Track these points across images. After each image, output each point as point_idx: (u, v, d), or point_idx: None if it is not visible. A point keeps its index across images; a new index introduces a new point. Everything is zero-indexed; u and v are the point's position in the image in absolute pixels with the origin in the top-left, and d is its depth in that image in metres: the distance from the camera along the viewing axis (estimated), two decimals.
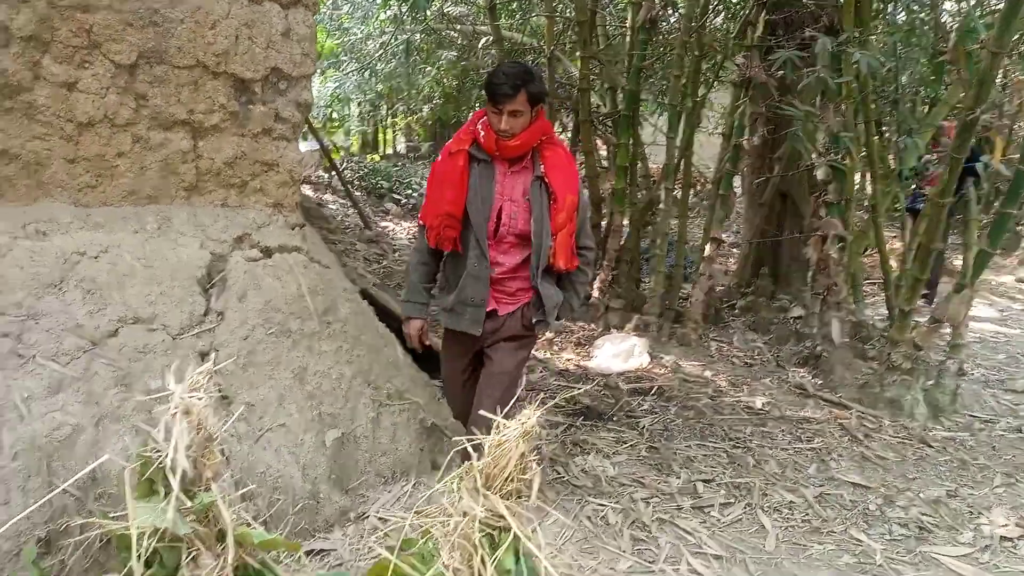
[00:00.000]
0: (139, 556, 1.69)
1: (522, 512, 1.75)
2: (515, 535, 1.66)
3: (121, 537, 1.76)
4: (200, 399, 1.78)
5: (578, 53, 5.58)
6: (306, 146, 8.82)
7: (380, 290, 4.38)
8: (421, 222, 2.80)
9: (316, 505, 2.73)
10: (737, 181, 7.01)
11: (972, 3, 4.57)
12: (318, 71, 11.02)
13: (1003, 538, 3.06)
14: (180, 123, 2.85)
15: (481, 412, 2.27)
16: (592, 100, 6.19)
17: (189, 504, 1.71)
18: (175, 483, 1.68)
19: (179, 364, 1.97)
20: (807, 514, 3.18)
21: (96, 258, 2.62)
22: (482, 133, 2.61)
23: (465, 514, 1.77)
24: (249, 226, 3.00)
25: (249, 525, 1.83)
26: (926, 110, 6.66)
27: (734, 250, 7.84)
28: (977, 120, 3.96)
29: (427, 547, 1.82)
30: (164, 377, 2.10)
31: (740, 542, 2.94)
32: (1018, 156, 4.18)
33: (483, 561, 1.69)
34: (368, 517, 2.76)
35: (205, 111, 2.88)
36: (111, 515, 1.94)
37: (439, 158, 2.73)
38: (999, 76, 5.86)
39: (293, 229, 3.16)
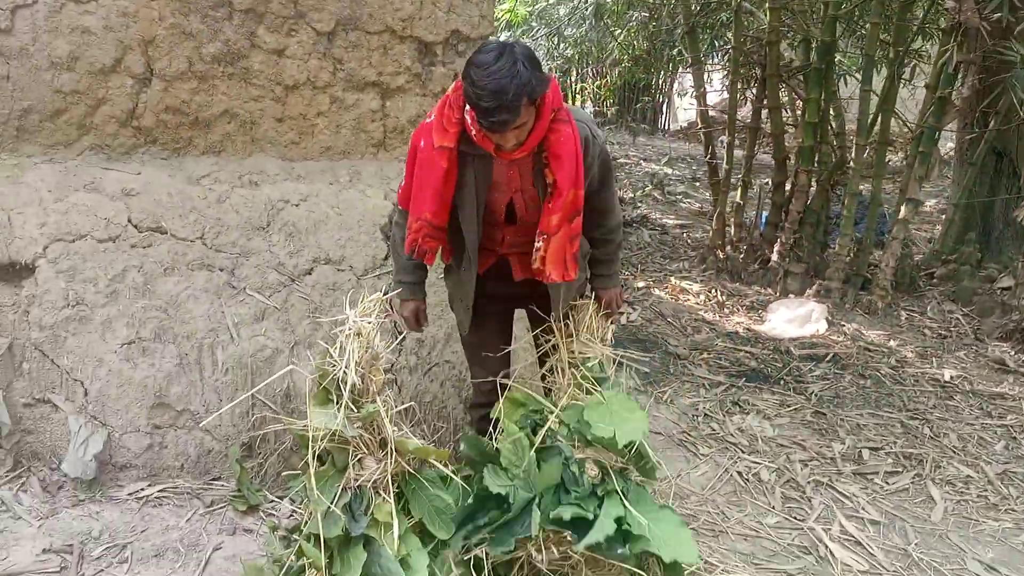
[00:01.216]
0: (314, 453, 1.99)
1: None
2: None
3: (302, 437, 2.07)
4: (370, 323, 2.05)
5: (767, 3, 5.35)
6: None
7: None
8: (400, 206, 2.18)
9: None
10: (948, 140, 6.42)
11: None
12: (511, 37, 11.35)
13: None
14: (370, 84, 3.15)
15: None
16: (784, 53, 5.91)
17: (357, 413, 1.98)
18: (345, 393, 1.95)
19: (354, 295, 2.25)
20: (985, 490, 2.97)
21: (297, 206, 2.99)
22: (473, 131, 1.92)
23: None
24: None
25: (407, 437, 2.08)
26: None
27: (942, 215, 7.18)
28: None
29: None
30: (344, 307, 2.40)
31: (902, 510, 2.82)
32: None
33: None
34: None
35: (392, 73, 3.16)
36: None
37: (420, 140, 2.02)
38: None
39: None
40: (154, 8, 2.75)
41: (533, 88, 1.79)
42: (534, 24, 10.14)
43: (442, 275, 2.44)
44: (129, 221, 2.69)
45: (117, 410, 2.54)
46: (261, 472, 2.65)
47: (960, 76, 4.82)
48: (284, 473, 2.47)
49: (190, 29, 2.80)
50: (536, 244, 2.07)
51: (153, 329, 2.61)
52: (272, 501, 2.53)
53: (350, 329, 2.04)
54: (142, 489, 2.49)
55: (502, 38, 12.04)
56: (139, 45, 2.76)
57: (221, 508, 2.48)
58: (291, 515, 2.48)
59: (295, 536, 2.21)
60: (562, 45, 10.33)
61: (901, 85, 5.46)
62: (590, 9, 8.88)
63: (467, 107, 1.87)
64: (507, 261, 2.26)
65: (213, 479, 2.61)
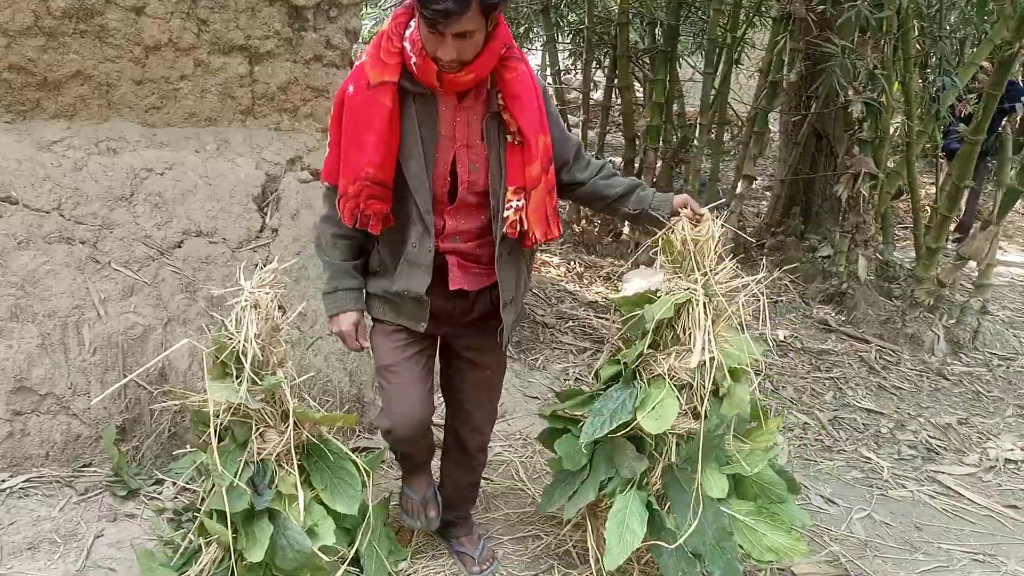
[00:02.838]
0: (215, 428, 1.93)
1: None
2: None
3: (198, 413, 2.00)
4: (267, 294, 2.00)
5: None
6: None
7: None
8: (327, 183, 1.92)
9: (361, 408, 2.97)
10: (775, 121, 7.02)
11: None
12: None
13: (1008, 460, 3.23)
14: (238, 48, 3.01)
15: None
16: (631, 36, 6.21)
17: (258, 384, 1.94)
18: (246, 365, 1.91)
19: (244, 266, 2.18)
20: (820, 434, 3.36)
21: (162, 175, 2.83)
22: (414, 59, 1.71)
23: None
24: (300, 149, 3.18)
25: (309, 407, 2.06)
26: (974, 50, 6.56)
27: (767, 192, 7.87)
28: (1016, 56, 3.96)
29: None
30: (226, 283, 2.32)
31: None
32: None
33: None
34: None
35: (261, 37, 3.04)
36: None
37: (347, 88, 1.80)
38: None
39: None
40: None
41: None
42: None
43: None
44: None
45: None
46: (138, 455, 2.51)
47: (788, 63, 5.29)
48: (176, 452, 2.36)
49: None
50: (512, 203, 1.84)
51: (8, 308, 2.39)
52: (153, 484, 2.42)
53: (246, 301, 1.99)
54: (3, 481, 2.29)
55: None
56: None
57: (97, 495, 2.34)
58: (175, 497, 2.38)
59: (185, 517, 2.14)
60: None
61: (740, 72, 5.90)
62: None
63: (409, 30, 1.72)
64: (443, 262, 1.93)
65: (84, 466, 2.45)
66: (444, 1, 1.57)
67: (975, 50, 5.58)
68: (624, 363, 2.06)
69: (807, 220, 6.08)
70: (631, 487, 2.05)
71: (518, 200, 1.85)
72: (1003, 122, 5.16)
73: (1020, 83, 5.97)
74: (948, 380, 4.08)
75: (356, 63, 1.83)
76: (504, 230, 1.87)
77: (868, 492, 2.96)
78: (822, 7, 4.58)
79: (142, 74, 2.85)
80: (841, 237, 5.07)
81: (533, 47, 11.07)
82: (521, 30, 9.73)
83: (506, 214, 1.86)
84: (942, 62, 5.43)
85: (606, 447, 2.09)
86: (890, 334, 4.51)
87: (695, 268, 2.03)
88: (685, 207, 1.99)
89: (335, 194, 1.88)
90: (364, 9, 10.94)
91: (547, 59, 6.55)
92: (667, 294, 2.05)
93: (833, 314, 4.88)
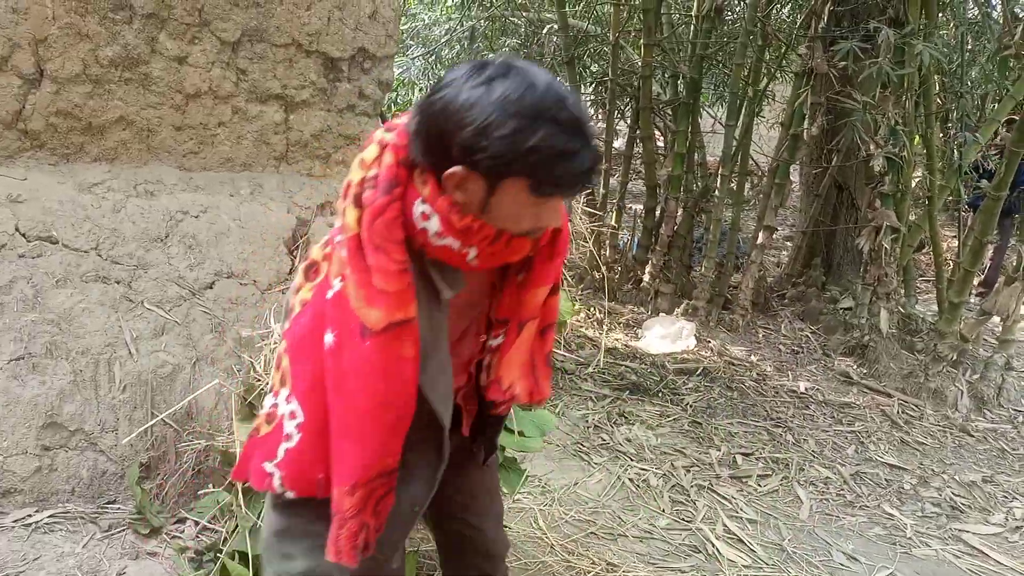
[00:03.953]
0: None
1: None
2: None
3: (224, 453, 2.04)
4: None
5: (642, 41, 5.71)
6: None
7: None
8: (292, 492, 1.14)
9: None
10: (795, 173, 7.07)
11: None
12: None
13: None
14: (274, 97, 3.12)
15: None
16: (653, 88, 6.32)
17: None
18: None
19: (275, 308, 2.23)
20: (842, 489, 3.33)
21: (197, 217, 2.91)
22: (471, 252, 1.11)
23: None
24: (331, 194, 3.26)
25: None
26: (996, 106, 6.61)
27: (788, 242, 7.89)
28: None
29: None
30: (254, 324, 2.37)
31: (775, 509, 3.11)
32: None
33: None
34: None
35: (297, 86, 3.14)
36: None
37: (321, 339, 1.11)
38: None
39: None
40: (47, 6, 2.61)
41: None
42: (410, 43, 10.20)
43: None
44: (16, 229, 2.52)
45: (2, 431, 2.36)
46: (162, 494, 2.54)
47: (809, 116, 5.35)
48: (200, 491, 2.39)
49: (87, 30, 2.67)
50: (493, 342, 1.32)
51: (44, 344, 2.45)
52: (176, 523, 2.44)
53: (276, 343, 2.03)
54: (29, 515, 2.33)
55: None
56: (29, 44, 2.60)
57: (120, 532, 2.37)
58: (197, 536, 2.40)
59: (207, 557, 2.16)
60: (437, 65, 10.45)
61: (762, 124, 5.98)
62: (466, 33, 9.06)
63: (421, 204, 1.07)
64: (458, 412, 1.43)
65: (108, 502, 2.48)
66: (585, 158, 1.03)
67: (996, 106, 5.63)
68: None
69: (828, 272, 6.09)
70: None
71: (500, 337, 1.32)
72: None
73: None
74: (972, 436, 4.03)
75: (308, 286, 1.17)
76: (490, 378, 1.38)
77: (891, 549, 2.92)
78: (843, 63, 4.65)
79: (182, 120, 2.95)
80: (863, 289, 5.07)
81: None
82: None
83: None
84: (963, 118, 5.47)
85: None
86: (912, 388, 4.47)
87: None
88: None
89: (309, 510, 1.14)
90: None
91: None
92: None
93: (855, 367, 4.85)
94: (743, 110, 5.75)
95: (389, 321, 1.06)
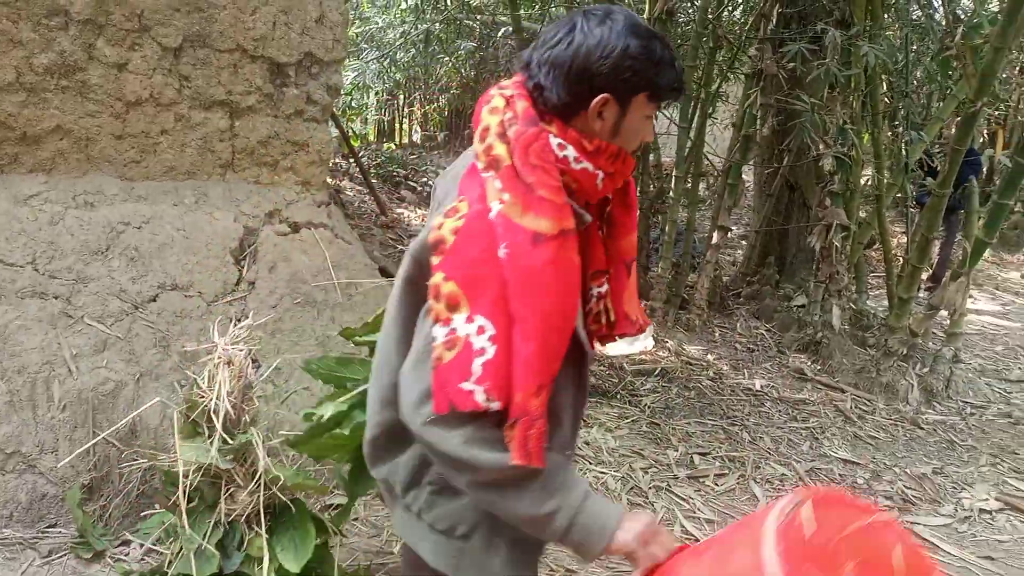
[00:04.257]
0: (185, 489, 1.91)
1: None
2: None
3: (168, 473, 1.98)
4: (241, 351, 2.00)
5: None
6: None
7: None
8: (490, 400, 1.15)
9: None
10: (749, 173, 7.17)
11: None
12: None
13: (982, 511, 3.24)
14: (219, 103, 3.05)
15: None
16: None
17: (229, 444, 1.92)
18: (218, 424, 1.89)
19: (220, 321, 2.18)
20: (797, 485, 3.36)
21: (139, 228, 2.83)
22: (600, 172, 1.24)
23: None
24: (279, 202, 3.20)
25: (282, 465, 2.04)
26: (940, 104, 6.78)
27: (743, 241, 7.99)
28: (978, 113, 4.10)
29: None
30: (200, 337, 2.31)
31: (732, 509, 3.13)
32: (1015, 148, 4.32)
33: None
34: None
35: (242, 92, 3.08)
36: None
37: (496, 251, 1.16)
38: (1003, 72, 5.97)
39: (320, 206, 3.36)
40: None
41: None
42: (364, 46, 10.13)
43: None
44: None
45: None
46: (105, 515, 2.46)
47: (760, 117, 5.43)
48: (144, 512, 2.32)
49: (19, 37, 2.58)
50: (598, 290, 1.39)
51: None
52: (120, 545, 2.37)
53: (219, 358, 1.98)
54: None
55: None
56: None
57: (61, 557, 2.28)
58: (142, 559, 2.33)
59: None
60: (392, 68, 10.38)
61: (714, 125, 6.04)
62: (420, 36, 9.01)
63: (573, 144, 1.21)
64: None
65: (49, 527, 2.39)
66: (679, 66, 1.25)
67: (941, 105, 5.77)
68: None
69: (782, 270, 6.17)
70: None
71: (599, 286, 1.39)
72: (971, 176, 5.30)
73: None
74: (922, 429, 4.12)
75: (468, 210, 1.20)
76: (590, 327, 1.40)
77: None
78: (792, 64, 4.72)
79: (122, 129, 2.87)
80: (815, 286, 5.15)
81: None
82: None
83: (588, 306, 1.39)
84: (910, 116, 5.59)
85: None
86: (865, 383, 4.55)
87: None
88: None
89: (496, 420, 1.17)
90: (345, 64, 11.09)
91: None
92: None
93: (809, 363, 4.92)
94: (697, 112, 5.80)
95: (560, 228, 1.16)
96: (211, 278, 2.90)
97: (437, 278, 1.17)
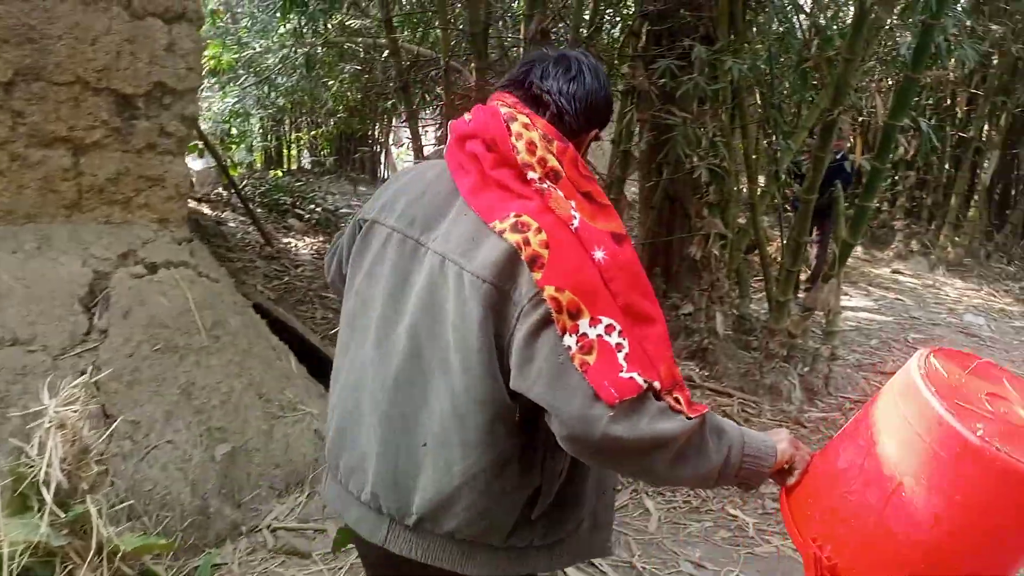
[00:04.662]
0: (11, 573, 1.71)
1: None
2: None
3: None
4: (75, 412, 1.82)
5: (472, 64, 5.72)
6: (202, 163, 8.67)
7: (276, 304, 4.39)
8: (645, 381, 1.22)
9: (206, 520, 2.75)
10: (634, 187, 7.31)
11: (829, 14, 4.94)
12: (217, 86, 10.85)
13: None
14: (60, 140, 2.84)
15: None
16: None
17: (63, 517, 1.74)
18: (48, 496, 1.71)
19: (52, 379, 1.99)
20: (688, 495, 3.39)
21: None
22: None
23: None
24: (134, 242, 3.00)
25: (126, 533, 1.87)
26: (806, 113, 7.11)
27: None
28: (836, 121, 4.29)
29: None
30: (41, 396, 2.11)
31: (625, 525, 3.11)
32: (875, 153, 4.55)
33: None
34: (260, 530, 2.80)
35: (86, 127, 2.88)
36: None
37: (593, 255, 1.26)
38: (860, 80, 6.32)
39: (180, 244, 3.17)
40: None
41: None
42: (241, 72, 9.82)
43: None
44: None
45: None
46: None
47: (637, 133, 5.53)
48: None
49: None
50: None
51: None
52: None
53: (50, 421, 1.80)
54: None
55: (205, 84, 11.40)
56: None
57: None
58: None
59: None
60: (273, 94, 10.10)
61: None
62: (301, 60, 8.80)
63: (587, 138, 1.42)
64: None
65: None
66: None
67: (806, 114, 6.05)
68: None
69: (668, 279, 6.30)
70: None
71: None
72: (836, 180, 5.57)
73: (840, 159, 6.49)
74: (806, 427, 4.25)
75: (542, 222, 1.25)
76: None
77: (736, 551, 2.99)
78: (663, 80, 4.83)
79: None
80: (699, 294, 5.27)
81: (399, 123, 11.22)
82: (389, 104, 9.83)
83: None
84: (778, 126, 5.83)
85: None
86: (750, 386, 4.67)
87: None
88: None
89: (656, 397, 1.23)
90: (222, 91, 10.71)
91: (411, 133, 6.59)
92: None
93: (698, 370, 5.02)
94: None
95: (622, 230, 1.31)
96: (57, 329, 2.67)
97: (549, 291, 1.20)
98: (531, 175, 1.27)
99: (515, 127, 1.30)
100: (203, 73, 3.21)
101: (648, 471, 1.26)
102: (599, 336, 1.21)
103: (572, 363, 1.19)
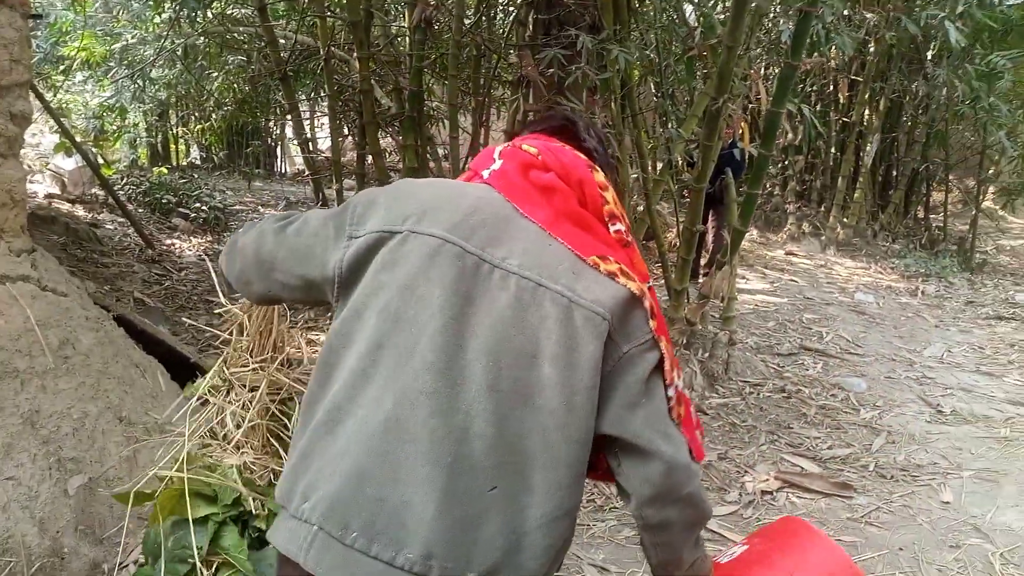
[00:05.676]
0: None
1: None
2: None
3: None
4: None
5: (355, 54, 5.48)
6: (74, 162, 8.07)
7: (146, 314, 4.06)
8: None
9: (60, 562, 2.46)
10: None
11: (711, 3, 4.96)
12: (92, 79, 10.14)
13: (764, 492, 3.34)
14: None
15: None
16: (383, 101, 6.12)
17: None
18: None
19: None
20: (591, 493, 3.30)
21: None
22: None
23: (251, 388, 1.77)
24: None
25: None
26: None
27: None
28: (721, 109, 4.29)
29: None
30: None
31: None
32: (761, 141, 4.59)
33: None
34: (127, 566, 2.54)
35: None
36: None
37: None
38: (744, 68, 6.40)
39: (19, 256, 2.84)
40: None
41: None
42: (112, 64, 9.20)
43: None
44: None
45: None
46: None
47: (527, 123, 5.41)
48: None
49: None
50: None
51: None
52: None
53: None
54: None
55: (79, 78, 10.65)
56: None
57: None
58: None
59: None
60: (151, 87, 9.50)
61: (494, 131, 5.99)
62: (179, 51, 8.30)
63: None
64: None
65: None
66: None
67: (695, 102, 6.09)
68: None
69: None
70: None
71: None
72: (727, 169, 5.63)
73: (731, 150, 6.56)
74: (707, 414, 4.25)
75: (626, 268, 1.29)
76: None
77: (639, 551, 2.91)
78: (552, 70, 4.73)
79: None
80: None
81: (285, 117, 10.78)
82: (280, 96, 9.39)
83: None
84: (672, 115, 5.84)
85: None
86: None
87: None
88: None
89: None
90: (98, 85, 10.02)
91: (294, 128, 6.30)
92: None
93: None
94: (472, 120, 5.71)
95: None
96: None
97: (663, 342, 1.25)
98: (618, 226, 1.31)
99: (598, 178, 1.34)
100: (31, 65, 2.87)
101: (684, 544, 1.28)
102: (680, 389, 1.27)
103: (672, 413, 1.24)
